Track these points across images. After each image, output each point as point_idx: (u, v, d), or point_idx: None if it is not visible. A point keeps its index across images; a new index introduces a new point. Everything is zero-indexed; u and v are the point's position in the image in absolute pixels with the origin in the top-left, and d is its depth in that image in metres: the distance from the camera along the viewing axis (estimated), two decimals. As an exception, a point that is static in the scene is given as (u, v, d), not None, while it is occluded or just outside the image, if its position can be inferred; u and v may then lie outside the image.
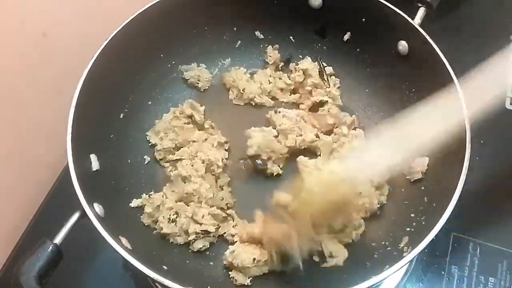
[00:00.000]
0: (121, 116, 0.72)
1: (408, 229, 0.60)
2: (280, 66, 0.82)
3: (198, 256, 0.65)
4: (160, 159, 0.73)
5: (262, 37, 0.82)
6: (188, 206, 0.66)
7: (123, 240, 0.55)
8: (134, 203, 0.66)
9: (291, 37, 0.82)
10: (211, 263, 0.65)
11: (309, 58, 0.80)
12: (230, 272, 0.62)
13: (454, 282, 0.68)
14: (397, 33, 0.70)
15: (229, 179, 0.71)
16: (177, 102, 0.78)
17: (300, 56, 0.82)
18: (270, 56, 0.82)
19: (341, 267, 0.62)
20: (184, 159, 0.70)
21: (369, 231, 0.65)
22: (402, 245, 0.58)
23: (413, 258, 0.51)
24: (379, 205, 0.66)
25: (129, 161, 0.71)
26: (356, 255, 0.62)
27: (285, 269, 0.59)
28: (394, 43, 0.71)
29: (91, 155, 0.62)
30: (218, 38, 0.81)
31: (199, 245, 0.64)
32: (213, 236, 0.65)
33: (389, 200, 0.67)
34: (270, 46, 0.82)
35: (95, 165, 0.62)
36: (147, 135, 0.74)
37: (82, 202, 0.53)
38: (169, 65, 0.79)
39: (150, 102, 0.77)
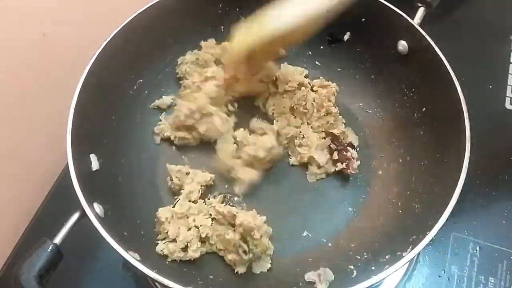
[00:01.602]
0: (121, 116, 0.72)
1: (408, 228, 0.60)
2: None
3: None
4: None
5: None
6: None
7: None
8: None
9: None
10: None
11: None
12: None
13: (454, 282, 0.68)
14: (397, 33, 0.70)
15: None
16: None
17: (299, 56, 0.82)
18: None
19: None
20: None
21: (369, 231, 0.65)
22: (402, 245, 0.58)
23: (413, 258, 0.51)
24: None
25: (129, 160, 0.71)
26: (356, 253, 0.62)
27: None
28: (394, 43, 0.71)
29: (91, 155, 0.62)
30: (218, 38, 0.81)
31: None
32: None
33: (389, 200, 0.67)
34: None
35: (95, 165, 0.62)
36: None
37: (82, 202, 0.53)
38: (169, 66, 0.79)
39: (150, 102, 0.77)
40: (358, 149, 0.73)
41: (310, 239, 0.66)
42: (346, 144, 0.72)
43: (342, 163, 0.70)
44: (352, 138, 0.74)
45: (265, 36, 0.61)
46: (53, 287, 0.50)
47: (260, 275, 0.62)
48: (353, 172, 0.69)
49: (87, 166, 0.61)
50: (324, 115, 0.73)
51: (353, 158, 0.71)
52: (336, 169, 0.70)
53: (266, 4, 0.63)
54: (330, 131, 0.73)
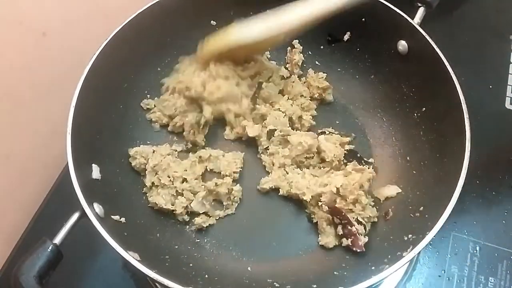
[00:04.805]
0: (121, 115, 0.71)
1: (408, 229, 0.60)
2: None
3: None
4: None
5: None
6: None
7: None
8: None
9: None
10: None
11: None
12: None
13: (454, 282, 0.68)
14: (397, 32, 0.70)
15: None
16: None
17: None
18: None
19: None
20: None
21: (369, 231, 0.65)
22: (402, 245, 0.58)
23: (413, 258, 0.51)
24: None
25: (129, 160, 0.71)
26: (356, 254, 0.62)
27: None
28: (394, 42, 0.71)
29: (91, 155, 0.62)
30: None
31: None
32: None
33: (389, 200, 0.67)
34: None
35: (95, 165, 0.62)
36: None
37: (82, 202, 0.53)
38: (169, 66, 0.79)
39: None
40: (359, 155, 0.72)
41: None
42: (352, 219, 0.63)
43: (347, 239, 0.62)
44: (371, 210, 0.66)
45: (230, 45, 0.69)
46: (53, 287, 0.51)
47: (263, 275, 0.62)
48: (359, 250, 0.61)
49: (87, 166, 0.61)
50: (351, 202, 0.64)
51: (360, 234, 0.62)
52: (343, 245, 0.63)
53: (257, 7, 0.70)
54: (332, 205, 0.64)
